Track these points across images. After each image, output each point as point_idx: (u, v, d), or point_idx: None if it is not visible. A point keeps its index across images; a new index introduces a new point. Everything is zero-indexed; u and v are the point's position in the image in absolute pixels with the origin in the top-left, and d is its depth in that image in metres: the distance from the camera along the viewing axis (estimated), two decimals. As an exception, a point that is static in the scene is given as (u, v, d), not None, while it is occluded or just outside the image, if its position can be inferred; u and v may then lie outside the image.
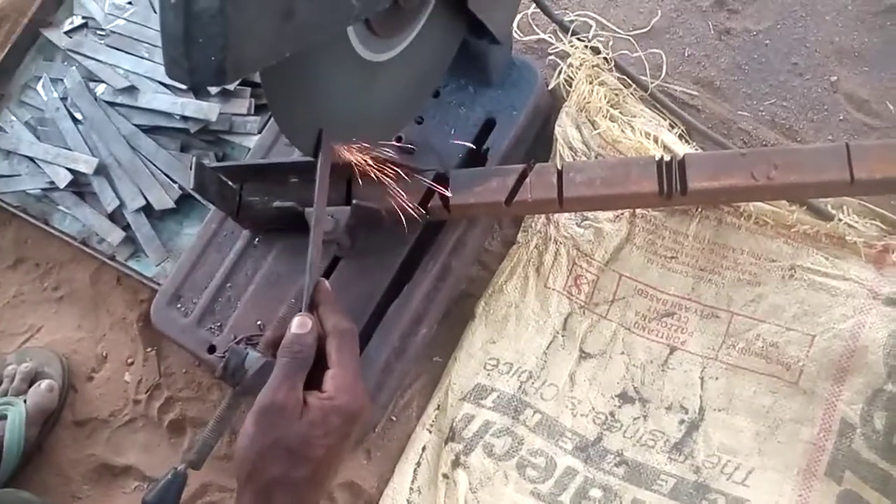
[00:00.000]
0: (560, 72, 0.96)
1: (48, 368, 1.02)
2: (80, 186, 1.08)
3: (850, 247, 0.85)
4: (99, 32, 1.15)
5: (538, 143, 0.95)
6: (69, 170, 1.07)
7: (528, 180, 0.78)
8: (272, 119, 0.99)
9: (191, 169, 0.75)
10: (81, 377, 1.04)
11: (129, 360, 1.03)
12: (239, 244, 0.89)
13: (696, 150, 0.92)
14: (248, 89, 1.06)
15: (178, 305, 0.88)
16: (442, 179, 0.80)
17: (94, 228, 1.06)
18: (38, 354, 1.03)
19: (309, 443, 0.61)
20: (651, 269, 0.90)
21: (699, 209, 0.89)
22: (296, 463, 0.61)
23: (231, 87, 1.06)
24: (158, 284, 0.97)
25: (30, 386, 1.00)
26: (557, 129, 0.94)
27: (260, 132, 1.02)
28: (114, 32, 1.14)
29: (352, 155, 0.73)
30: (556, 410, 0.88)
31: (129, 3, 1.16)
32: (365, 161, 0.75)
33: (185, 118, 1.06)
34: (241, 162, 0.99)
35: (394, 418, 0.92)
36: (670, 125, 0.94)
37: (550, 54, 0.99)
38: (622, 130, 0.91)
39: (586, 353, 0.89)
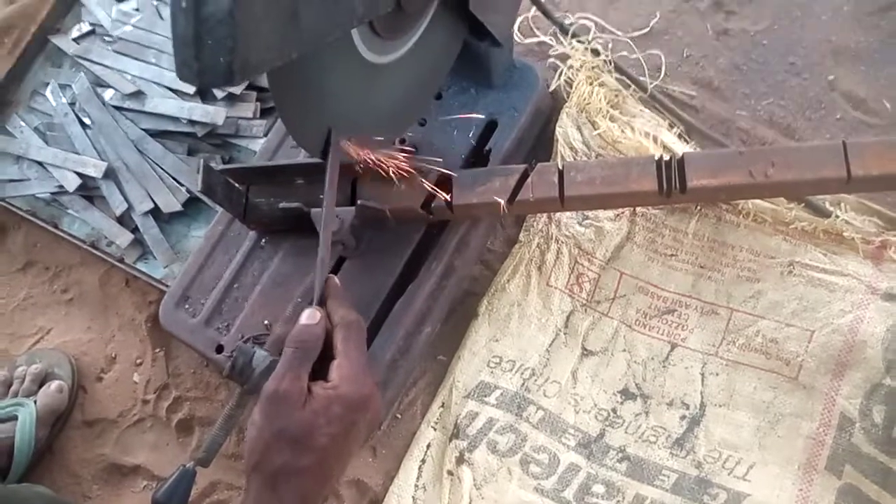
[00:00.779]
0: (560, 73, 0.97)
1: (58, 369, 1.02)
2: (88, 190, 1.09)
3: (847, 243, 0.85)
4: (106, 39, 1.16)
5: (539, 143, 0.96)
6: (78, 174, 1.08)
7: (529, 180, 0.78)
8: (278, 122, 1.00)
9: (199, 171, 0.75)
10: (91, 378, 1.05)
11: (138, 361, 1.04)
12: (245, 245, 0.90)
13: (695, 149, 0.92)
14: (254, 93, 1.07)
15: (186, 306, 0.89)
16: (445, 180, 0.80)
17: (103, 231, 1.07)
18: (47, 356, 1.04)
19: (312, 431, 0.61)
20: (651, 266, 0.91)
21: (698, 207, 0.90)
22: (300, 452, 0.61)
23: (237, 91, 1.07)
24: (166, 286, 0.98)
25: (40, 387, 1.01)
26: (558, 130, 0.95)
27: (266, 135, 1.03)
28: (121, 38, 1.15)
29: (359, 152, 0.74)
30: (559, 407, 0.88)
31: (136, 9, 1.17)
32: (373, 160, 0.76)
33: (191, 122, 1.07)
34: (248, 164, 0.99)
35: (399, 416, 0.93)
36: (670, 125, 0.95)
37: (551, 56, 1.00)
38: (622, 130, 0.92)
39: (588, 350, 0.90)
